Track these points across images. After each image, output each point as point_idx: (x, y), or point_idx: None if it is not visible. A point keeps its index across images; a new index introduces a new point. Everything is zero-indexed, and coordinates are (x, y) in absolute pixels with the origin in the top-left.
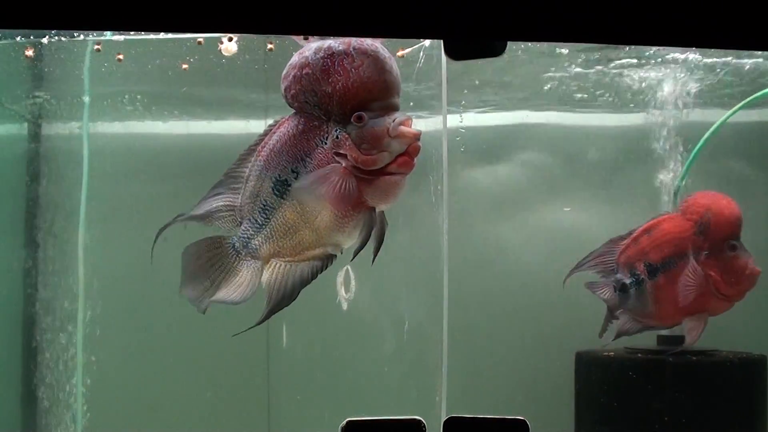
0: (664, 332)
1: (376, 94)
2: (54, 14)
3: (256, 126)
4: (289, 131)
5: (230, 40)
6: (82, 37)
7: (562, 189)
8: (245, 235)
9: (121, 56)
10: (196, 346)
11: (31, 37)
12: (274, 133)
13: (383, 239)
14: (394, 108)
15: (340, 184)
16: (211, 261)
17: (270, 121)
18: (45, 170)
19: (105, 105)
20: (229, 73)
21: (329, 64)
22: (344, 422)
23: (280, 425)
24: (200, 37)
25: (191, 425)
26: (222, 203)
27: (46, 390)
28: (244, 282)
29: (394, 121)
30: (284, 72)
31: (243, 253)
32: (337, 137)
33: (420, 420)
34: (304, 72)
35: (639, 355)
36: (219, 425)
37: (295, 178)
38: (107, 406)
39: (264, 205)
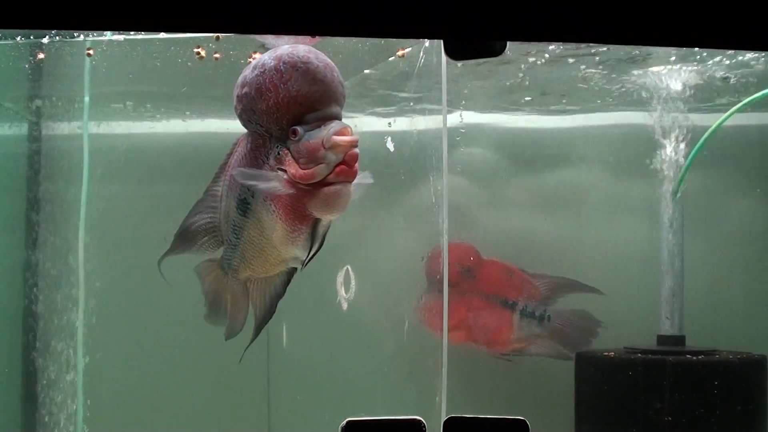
0: (664, 332)
1: (309, 106)
2: (54, 14)
3: None
4: (242, 150)
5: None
6: (82, 37)
7: (562, 188)
8: (226, 256)
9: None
10: (196, 345)
11: (31, 37)
12: (235, 152)
13: (318, 250)
14: (332, 117)
15: (280, 189)
16: (212, 284)
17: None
18: (45, 170)
19: (105, 105)
20: (229, 72)
21: (261, 81)
22: (344, 422)
23: (280, 425)
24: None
25: (191, 425)
26: (204, 224)
27: (46, 390)
28: (237, 304)
29: (328, 131)
30: (233, 92)
31: (229, 274)
32: (278, 153)
33: (420, 420)
34: (243, 91)
35: (639, 355)
36: (219, 425)
37: (252, 197)
38: (107, 406)
39: (234, 225)
